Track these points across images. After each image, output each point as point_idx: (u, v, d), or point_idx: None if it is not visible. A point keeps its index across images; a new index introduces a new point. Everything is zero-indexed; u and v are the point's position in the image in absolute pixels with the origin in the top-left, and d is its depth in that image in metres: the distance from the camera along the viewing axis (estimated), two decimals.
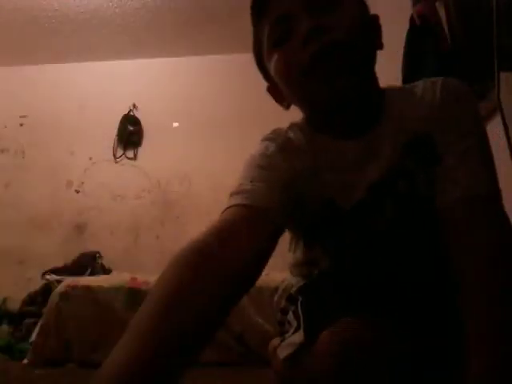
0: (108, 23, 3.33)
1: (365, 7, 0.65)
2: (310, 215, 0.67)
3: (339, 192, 0.65)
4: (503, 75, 1.26)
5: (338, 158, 0.65)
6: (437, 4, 1.65)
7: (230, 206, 0.58)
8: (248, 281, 0.53)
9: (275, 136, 0.69)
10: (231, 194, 0.61)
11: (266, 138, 0.69)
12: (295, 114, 0.73)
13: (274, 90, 0.70)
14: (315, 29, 0.57)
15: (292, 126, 0.70)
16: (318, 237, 0.70)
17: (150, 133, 3.66)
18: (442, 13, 1.63)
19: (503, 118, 1.26)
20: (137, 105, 3.68)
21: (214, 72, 3.72)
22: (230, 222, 0.56)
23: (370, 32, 0.63)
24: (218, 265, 0.49)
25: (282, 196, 0.60)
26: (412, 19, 1.65)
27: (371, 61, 0.63)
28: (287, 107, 0.71)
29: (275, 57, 0.63)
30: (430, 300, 0.62)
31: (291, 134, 0.68)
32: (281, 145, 0.66)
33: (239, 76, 3.63)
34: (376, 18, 0.66)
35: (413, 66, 1.64)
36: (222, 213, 0.58)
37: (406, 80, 1.64)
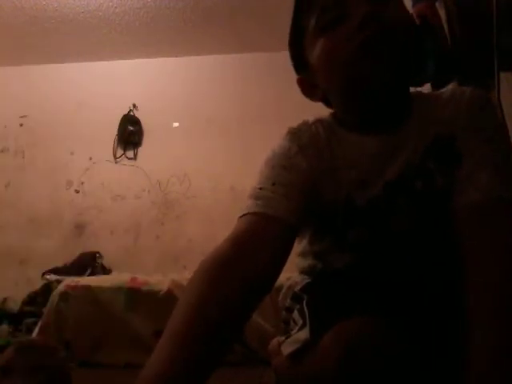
0: (108, 23, 3.33)
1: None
2: (324, 209, 0.67)
3: (356, 188, 0.66)
4: (503, 75, 1.26)
5: (358, 153, 0.66)
6: (437, 4, 1.65)
7: (249, 213, 0.60)
8: (267, 286, 0.58)
9: (299, 133, 0.70)
10: (251, 196, 0.63)
11: (290, 132, 0.70)
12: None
13: (305, 83, 0.71)
14: (371, 13, 0.60)
15: (317, 120, 0.71)
16: (329, 231, 0.71)
17: (150, 133, 3.65)
18: (442, 13, 1.63)
19: (503, 118, 1.26)
20: (137, 105, 3.67)
21: (214, 72, 3.71)
22: (249, 231, 0.59)
23: (413, 28, 0.67)
24: (237, 276, 0.54)
25: (300, 200, 0.62)
26: None
27: (411, 56, 0.65)
28: (319, 99, 0.71)
29: (323, 41, 0.63)
30: (437, 299, 0.62)
31: (314, 130, 0.69)
32: (302, 144, 0.67)
33: (239, 76, 3.63)
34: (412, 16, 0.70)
35: (413, 66, 1.64)
36: (241, 217, 0.61)
37: None
